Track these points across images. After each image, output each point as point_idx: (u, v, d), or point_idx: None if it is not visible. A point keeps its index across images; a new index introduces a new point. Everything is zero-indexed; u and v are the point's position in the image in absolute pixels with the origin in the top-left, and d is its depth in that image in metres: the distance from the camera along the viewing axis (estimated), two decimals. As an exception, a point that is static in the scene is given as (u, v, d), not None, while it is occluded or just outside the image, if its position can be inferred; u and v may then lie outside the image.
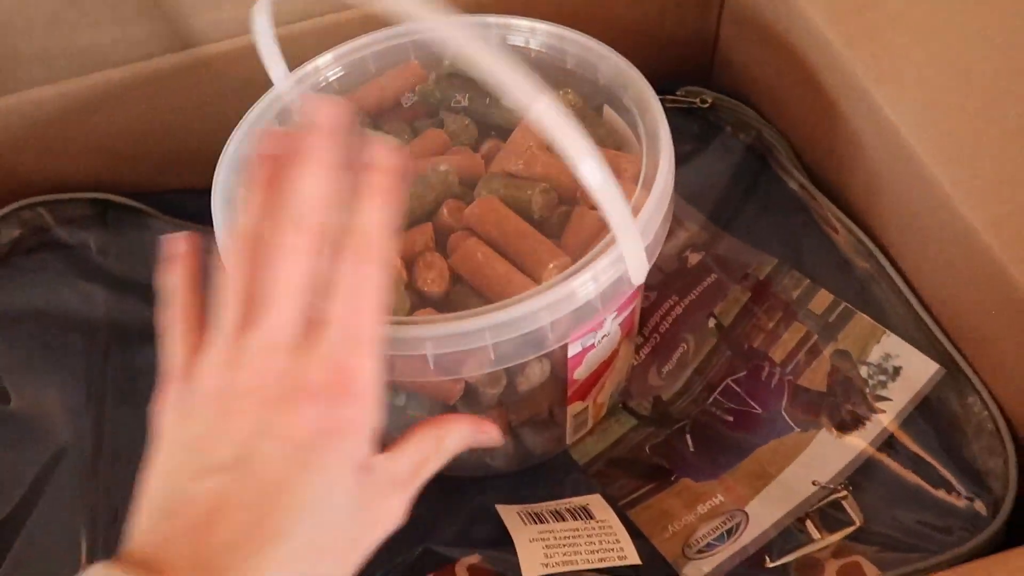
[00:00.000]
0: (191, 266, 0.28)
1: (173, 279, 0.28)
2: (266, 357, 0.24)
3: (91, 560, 0.36)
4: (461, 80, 0.40)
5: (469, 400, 0.35)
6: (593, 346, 0.35)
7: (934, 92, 0.38)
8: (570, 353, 0.34)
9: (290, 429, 0.24)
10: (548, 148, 0.35)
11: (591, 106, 0.39)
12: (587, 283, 0.30)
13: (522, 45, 0.40)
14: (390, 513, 0.26)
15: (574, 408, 0.38)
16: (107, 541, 0.37)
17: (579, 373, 0.36)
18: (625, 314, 0.36)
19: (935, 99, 0.38)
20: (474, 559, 0.35)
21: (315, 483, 0.24)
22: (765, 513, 0.37)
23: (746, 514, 0.37)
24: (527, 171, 0.35)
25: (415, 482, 0.27)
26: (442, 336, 0.29)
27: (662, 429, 0.41)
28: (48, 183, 0.48)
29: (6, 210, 0.46)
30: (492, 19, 0.40)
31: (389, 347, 0.29)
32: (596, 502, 0.39)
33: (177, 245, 0.28)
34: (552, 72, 0.39)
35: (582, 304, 0.30)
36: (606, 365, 0.37)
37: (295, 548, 0.23)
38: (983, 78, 0.38)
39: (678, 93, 0.52)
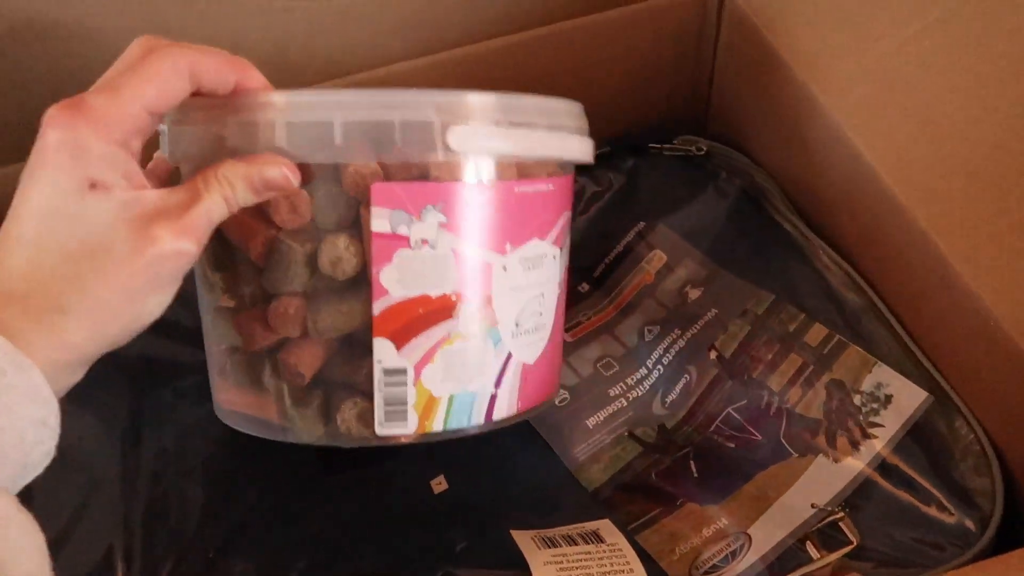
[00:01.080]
0: None
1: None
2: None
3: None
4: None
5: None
6: (407, 241, 0.32)
7: (908, 138, 0.41)
8: (374, 225, 0.31)
9: (37, 152, 0.27)
10: None
11: None
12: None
13: None
14: (148, 239, 0.27)
15: (383, 351, 0.32)
16: (144, 566, 0.39)
17: (386, 278, 0.32)
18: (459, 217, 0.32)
19: (908, 146, 0.41)
20: (492, 584, 0.37)
21: (32, 195, 0.27)
22: (767, 535, 0.39)
23: (748, 536, 0.39)
24: None
25: (186, 217, 0.28)
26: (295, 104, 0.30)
27: (667, 456, 0.43)
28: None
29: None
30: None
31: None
32: (606, 527, 0.41)
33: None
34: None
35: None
36: (430, 313, 0.32)
37: (28, 254, 0.26)
38: (952, 124, 0.41)
39: (675, 142, 0.56)
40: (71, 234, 0.26)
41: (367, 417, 0.33)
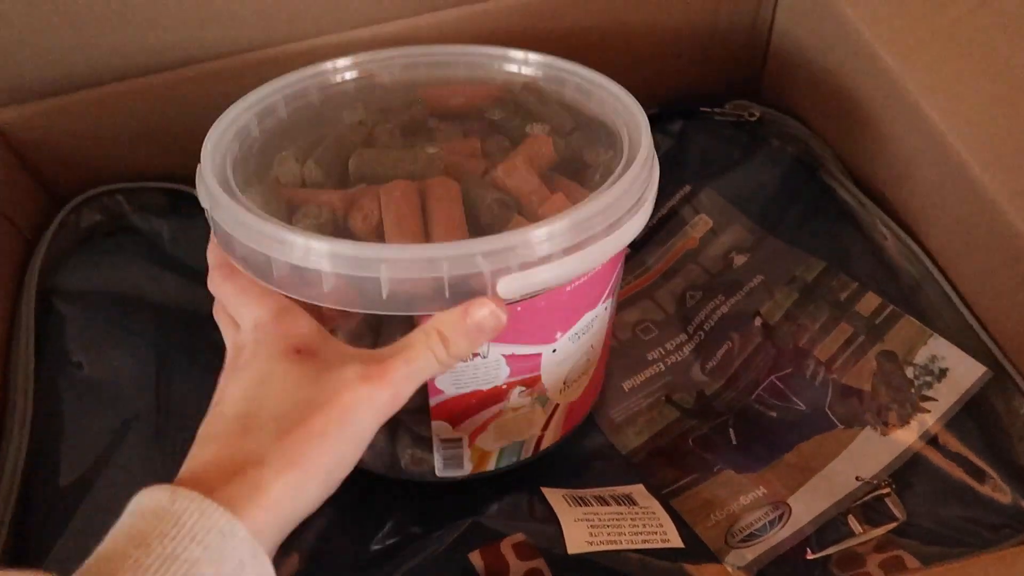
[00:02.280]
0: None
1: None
2: None
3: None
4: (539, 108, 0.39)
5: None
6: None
7: (983, 101, 0.39)
8: None
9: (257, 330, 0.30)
10: (539, 169, 0.35)
11: (579, 135, 0.38)
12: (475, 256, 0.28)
13: (515, 71, 0.41)
14: (346, 385, 0.28)
15: (440, 429, 0.36)
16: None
17: (441, 382, 0.34)
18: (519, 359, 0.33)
19: (983, 108, 0.39)
20: (519, 537, 0.36)
21: (252, 367, 0.29)
22: (807, 506, 0.37)
23: (788, 506, 0.38)
24: (501, 180, 0.34)
25: (381, 365, 0.28)
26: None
27: (705, 422, 0.42)
28: (126, 173, 0.51)
29: (87, 195, 0.49)
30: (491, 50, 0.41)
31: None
32: (639, 491, 0.40)
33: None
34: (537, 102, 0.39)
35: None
36: (483, 399, 0.35)
37: (262, 423, 0.27)
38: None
39: (727, 106, 0.54)
40: (281, 397, 0.28)
41: (426, 463, 0.37)
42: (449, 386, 0.34)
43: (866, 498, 0.37)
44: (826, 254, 0.45)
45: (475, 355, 0.32)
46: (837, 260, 0.44)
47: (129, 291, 0.47)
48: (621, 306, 0.48)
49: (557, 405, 0.37)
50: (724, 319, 0.45)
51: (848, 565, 0.35)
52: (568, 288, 0.32)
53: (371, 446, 0.30)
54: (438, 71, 0.42)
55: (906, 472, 0.37)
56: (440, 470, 0.38)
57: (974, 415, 0.38)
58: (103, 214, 0.49)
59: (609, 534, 0.36)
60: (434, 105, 0.40)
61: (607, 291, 0.35)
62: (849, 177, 0.47)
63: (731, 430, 0.41)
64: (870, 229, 0.44)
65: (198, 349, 0.45)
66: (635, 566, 0.35)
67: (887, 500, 0.37)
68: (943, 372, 0.39)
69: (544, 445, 0.39)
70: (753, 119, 0.53)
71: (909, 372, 0.39)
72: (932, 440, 0.37)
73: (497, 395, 0.34)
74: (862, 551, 0.36)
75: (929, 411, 0.38)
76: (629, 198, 0.31)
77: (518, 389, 0.35)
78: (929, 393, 0.39)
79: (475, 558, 0.35)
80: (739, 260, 0.47)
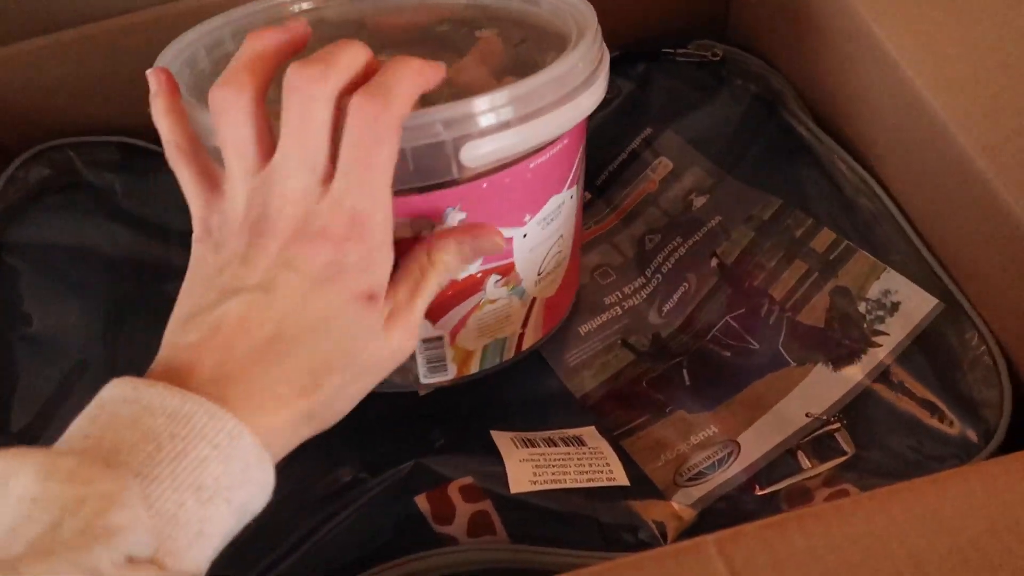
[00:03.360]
0: (177, 103, 0.30)
1: (165, 116, 0.30)
2: (284, 200, 0.27)
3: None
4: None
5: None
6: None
7: (933, 27, 0.38)
8: (397, 233, 0.32)
9: (306, 263, 0.27)
10: (491, 68, 0.35)
11: (529, 44, 0.38)
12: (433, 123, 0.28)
13: None
14: (394, 340, 0.29)
15: (421, 328, 0.34)
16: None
17: None
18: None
19: (934, 33, 0.37)
20: (466, 480, 0.36)
21: (323, 308, 0.27)
22: (757, 444, 0.37)
23: (738, 444, 0.37)
24: (453, 77, 0.35)
25: (414, 306, 0.29)
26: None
27: (659, 364, 0.41)
28: (77, 127, 0.50)
29: (36, 150, 0.48)
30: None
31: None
32: (589, 432, 0.39)
33: (158, 79, 0.31)
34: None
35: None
36: (460, 291, 0.35)
37: (300, 363, 0.27)
38: (982, 11, 0.37)
39: (689, 47, 0.52)
40: (336, 336, 0.28)
41: (410, 372, 0.37)
42: None
43: (816, 433, 0.37)
44: (784, 192, 0.44)
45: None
46: (794, 198, 0.43)
47: (80, 245, 0.47)
48: (580, 251, 0.47)
49: (535, 299, 0.37)
50: (681, 261, 0.44)
51: (796, 500, 0.35)
52: (531, 165, 0.32)
53: None
54: (384, 2, 0.41)
55: (856, 407, 0.37)
56: (424, 376, 0.37)
57: (925, 348, 0.37)
58: (53, 168, 0.48)
59: (553, 474, 0.36)
60: (382, 34, 0.40)
61: (571, 175, 0.36)
62: (809, 114, 0.46)
63: (685, 371, 0.41)
64: (828, 166, 0.43)
65: (150, 302, 0.44)
66: (581, 505, 0.35)
67: (836, 435, 0.36)
68: (895, 306, 0.38)
69: (526, 344, 0.39)
70: (716, 59, 0.51)
71: (862, 307, 0.39)
72: (883, 374, 0.37)
73: (473, 285, 0.34)
74: (811, 486, 0.35)
75: (881, 345, 0.38)
76: (584, 69, 0.32)
77: (493, 278, 0.34)
78: (881, 328, 0.38)
79: (421, 502, 0.35)
80: (699, 201, 0.46)
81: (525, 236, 0.34)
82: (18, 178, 0.47)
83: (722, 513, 0.35)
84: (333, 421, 0.29)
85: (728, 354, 0.40)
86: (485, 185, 0.32)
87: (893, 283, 0.39)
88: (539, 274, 0.36)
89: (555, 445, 0.37)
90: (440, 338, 0.36)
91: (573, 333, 0.44)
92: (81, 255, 0.46)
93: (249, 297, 0.27)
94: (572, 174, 0.36)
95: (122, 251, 0.47)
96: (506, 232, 0.33)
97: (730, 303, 0.42)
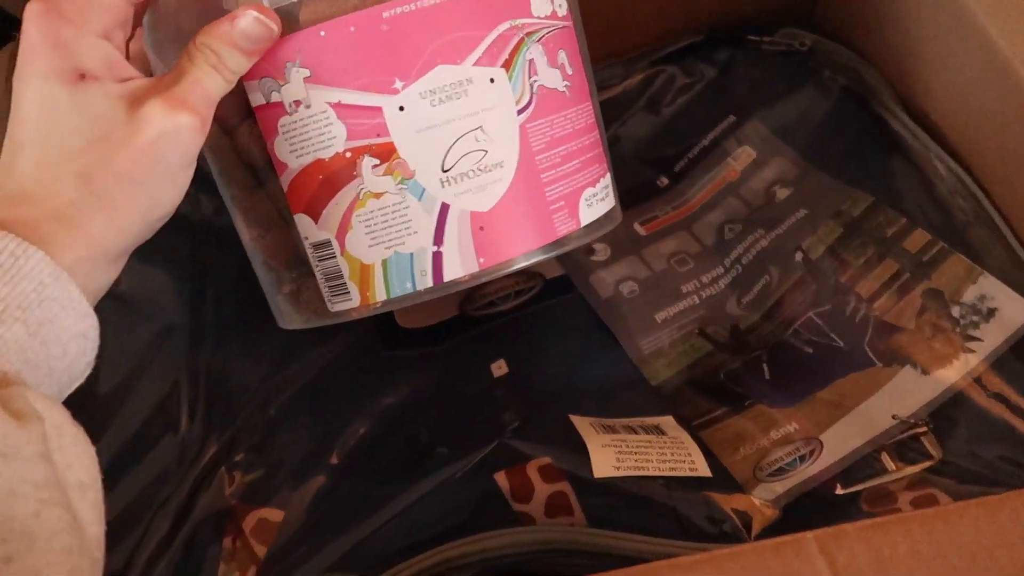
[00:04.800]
0: None
1: None
2: None
3: (191, 424, 0.39)
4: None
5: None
6: (282, 108, 0.29)
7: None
8: (252, 100, 0.29)
9: (23, 51, 0.26)
10: None
11: None
12: None
13: None
14: (148, 117, 0.26)
15: (304, 226, 0.30)
16: (208, 410, 0.39)
17: (280, 150, 0.30)
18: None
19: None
20: (545, 460, 0.36)
21: (27, 93, 0.26)
22: (840, 443, 0.37)
23: (820, 442, 0.37)
24: None
25: (177, 88, 0.26)
26: None
27: (738, 356, 0.41)
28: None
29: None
30: None
31: None
32: (668, 422, 0.39)
33: None
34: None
35: None
36: (331, 175, 0.30)
37: (49, 167, 0.26)
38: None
39: (777, 35, 0.51)
40: (70, 128, 0.26)
41: (312, 294, 0.32)
42: (287, 154, 0.29)
43: (901, 436, 0.36)
44: (874, 188, 0.43)
45: (297, 104, 0.29)
46: (885, 195, 0.42)
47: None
48: (656, 237, 0.47)
49: (447, 207, 0.30)
50: (763, 253, 0.44)
51: (878, 502, 0.35)
52: (384, 14, 0.28)
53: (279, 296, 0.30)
54: None
55: (946, 411, 0.36)
56: (329, 300, 0.31)
57: (1022, 356, 0.36)
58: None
59: (636, 460, 0.36)
60: None
61: (485, 47, 0.29)
62: (903, 109, 0.45)
63: (765, 365, 0.40)
64: (922, 163, 0.42)
65: (231, 267, 0.45)
66: (661, 493, 0.35)
67: (923, 439, 0.36)
68: (991, 312, 0.37)
69: (449, 271, 0.30)
70: (804, 48, 0.50)
71: (955, 311, 0.38)
72: (976, 380, 0.36)
73: (345, 168, 0.29)
74: (894, 488, 0.35)
75: (974, 351, 0.37)
76: None
77: (368, 161, 0.29)
78: (975, 333, 0.37)
79: (500, 479, 0.36)
80: (782, 193, 0.45)
81: (403, 109, 0.28)
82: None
83: (804, 510, 0.35)
84: (142, 225, 0.27)
85: (810, 350, 0.40)
86: (323, 33, 0.28)
87: (990, 288, 0.38)
88: (444, 170, 0.30)
89: (635, 432, 0.37)
90: (328, 243, 0.30)
91: (648, 320, 0.43)
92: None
93: None
94: (486, 47, 0.29)
95: (204, 217, 0.47)
96: (370, 99, 0.28)
97: (814, 299, 0.41)
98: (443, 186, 0.30)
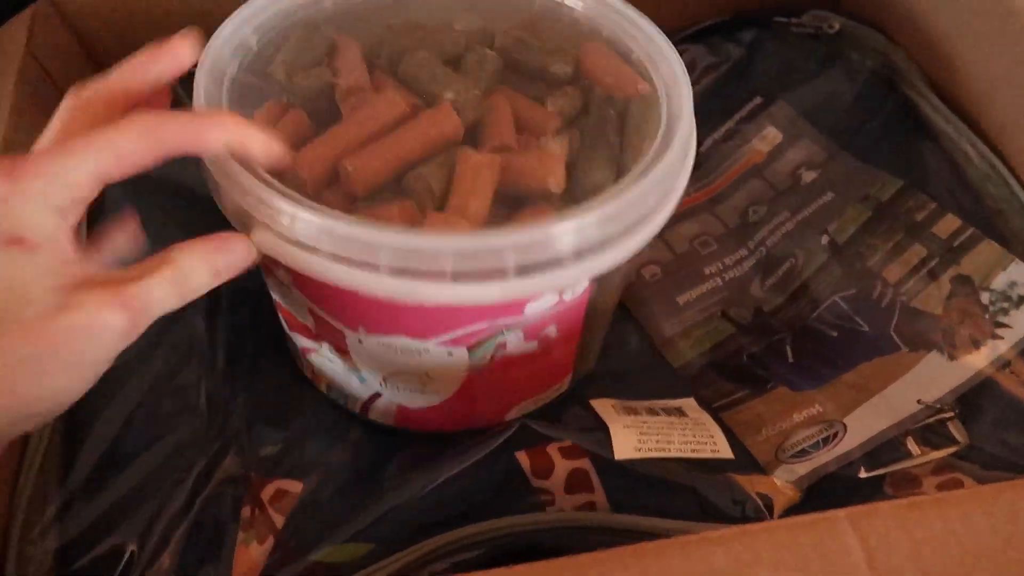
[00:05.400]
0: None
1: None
2: None
3: (207, 395, 0.38)
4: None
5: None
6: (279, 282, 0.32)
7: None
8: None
9: None
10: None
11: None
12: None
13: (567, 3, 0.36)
14: (83, 307, 0.23)
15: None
16: (228, 369, 0.39)
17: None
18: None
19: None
20: (566, 443, 0.36)
21: None
22: (864, 426, 0.36)
23: (844, 425, 0.37)
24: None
25: (128, 287, 0.24)
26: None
27: (761, 338, 0.41)
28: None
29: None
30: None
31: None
32: (690, 404, 0.39)
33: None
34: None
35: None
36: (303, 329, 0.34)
37: None
38: None
39: (804, 17, 0.51)
40: None
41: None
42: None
43: (927, 421, 0.36)
44: (903, 172, 0.42)
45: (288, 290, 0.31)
46: (915, 179, 0.42)
47: (185, 182, 0.47)
48: (679, 218, 0.46)
49: (378, 395, 0.35)
50: (788, 235, 0.43)
51: (903, 485, 0.34)
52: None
53: None
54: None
55: (973, 397, 0.36)
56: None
57: (1052, 344, 0.36)
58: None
59: (658, 441, 0.35)
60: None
61: (449, 336, 0.31)
62: (934, 92, 0.44)
63: (788, 347, 0.40)
64: (953, 147, 0.42)
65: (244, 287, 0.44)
66: (682, 475, 0.34)
67: (949, 424, 0.35)
68: (1022, 299, 0.37)
69: (372, 414, 0.37)
70: (832, 31, 0.50)
71: (984, 297, 0.38)
72: (1004, 366, 0.36)
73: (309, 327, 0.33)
74: (918, 473, 0.35)
75: (1003, 338, 0.37)
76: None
77: (327, 347, 0.33)
78: (1004, 320, 0.37)
79: (521, 457, 0.35)
80: (808, 176, 0.45)
81: (360, 342, 0.32)
82: (123, 105, 0.47)
83: (827, 492, 0.34)
84: (24, 415, 0.24)
85: (835, 334, 0.39)
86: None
87: (1020, 275, 0.37)
88: (384, 381, 0.34)
89: (657, 415, 0.37)
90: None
91: (671, 303, 0.43)
92: (185, 192, 0.46)
93: None
94: (457, 338, 0.31)
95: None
96: (337, 324, 0.31)
97: (840, 282, 0.41)
98: (382, 385, 0.34)
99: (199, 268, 0.26)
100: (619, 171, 0.31)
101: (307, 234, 0.26)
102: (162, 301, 0.25)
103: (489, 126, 0.32)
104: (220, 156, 0.28)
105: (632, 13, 0.34)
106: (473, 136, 0.32)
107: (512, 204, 0.31)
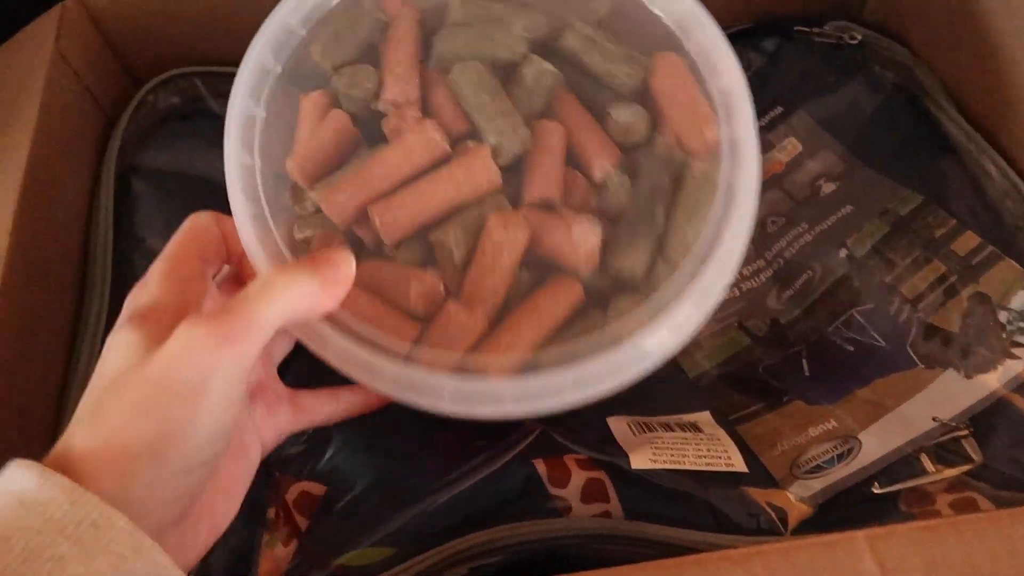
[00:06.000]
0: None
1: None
2: None
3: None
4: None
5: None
6: None
7: None
8: None
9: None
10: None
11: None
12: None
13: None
14: (180, 361, 0.23)
15: None
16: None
17: None
18: None
19: None
20: (583, 457, 0.36)
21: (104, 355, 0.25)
22: (879, 443, 0.36)
23: (859, 441, 0.37)
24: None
25: (227, 315, 0.24)
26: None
27: (777, 350, 0.41)
28: (206, 56, 0.50)
29: (166, 76, 0.48)
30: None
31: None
32: (705, 419, 0.39)
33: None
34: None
35: None
36: None
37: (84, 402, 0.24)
38: None
39: (826, 27, 0.51)
40: (112, 360, 0.24)
41: None
42: None
43: (942, 439, 0.36)
44: (923, 188, 0.42)
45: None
46: (934, 194, 0.42)
47: (203, 174, 0.47)
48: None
49: None
50: (806, 248, 0.43)
51: (917, 502, 0.35)
52: None
53: None
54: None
55: (987, 416, 0.36)
56: None
57: (1068, 365, 0.36)
58: (180, 96, 0.49)
59: (672, 455, 0.36)
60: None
61: None
62: (956, 109, 0.44)
63: (804, 360, 0.40)
64: (973, 164, 0.42)
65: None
66: (696, 487, 0.35)
67: (964, 442, 0.36)
68: (1040, 319, 0.37)
69: None
70: (854, 42, 0.49)
71: (1002, 316, 0.38)
72: (1020, 387, 0.36)
73: None
74: (932, 490, 0.35)
75: (1020, 358, 0.37)
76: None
77: None
78: (1022, 340, 0.37)
79: (539, 464, 0.36)
80: (828, 188, 0.45)
81: None
82: (148, 102, 0.48)
83: (840, 507, 0.35)
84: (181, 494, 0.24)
85: (851, 348, 0.40)
86: None
87: (1039, 295, 0.37)
88: None
89: (672, 430, 0.37)
90: None
91: (688, 311, 0.43)
92: (205, 185, 0.47)
93: None
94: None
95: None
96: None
97: (857, 297, 0.41)
98: None
99: (304, 282, 0.26)
100: (659, 247, 0.30)
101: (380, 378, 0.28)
102: (270, 320, 0.24)
103: (534, 170, 0.31)
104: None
105: (719, 40, 0.31)
106: (517, 170, 0.31)
107: (539, 267, 0.31)
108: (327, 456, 0.35)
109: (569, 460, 0.36)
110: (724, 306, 0.43)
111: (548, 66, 0.32)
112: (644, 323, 0.28)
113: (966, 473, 0.35)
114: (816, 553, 0.26)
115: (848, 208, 0.44)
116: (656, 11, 0.32)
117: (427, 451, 0.36)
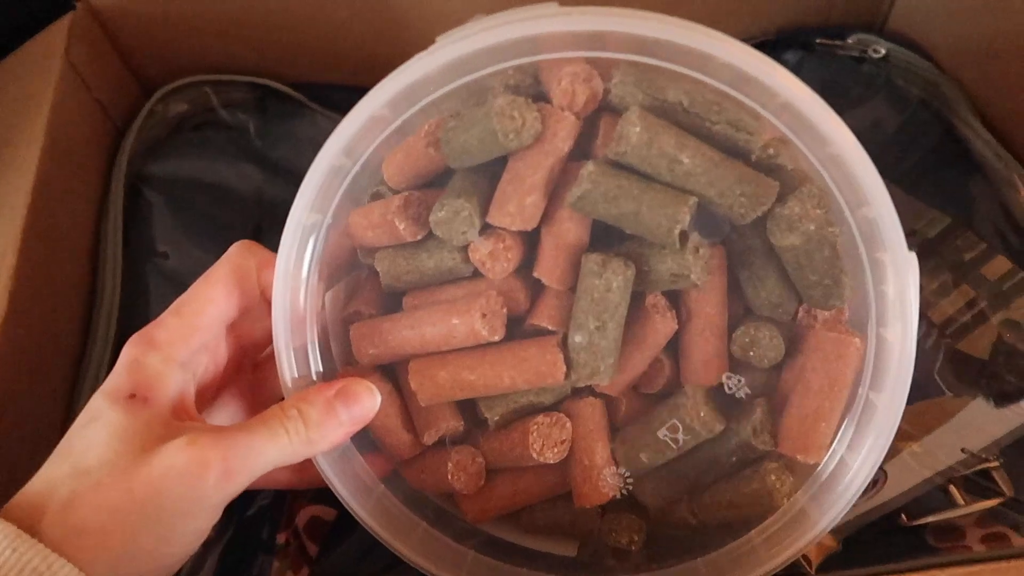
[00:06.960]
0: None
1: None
2: None
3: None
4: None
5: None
6: None
7: None
8: None
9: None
10: None
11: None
12: None
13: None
14: (163, 452, 0.23)
15: None
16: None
17: None
18: None
19: None
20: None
21: (86, 413, 0.25)
22: (905, 474, 0.35)
23: (884, 472, 0.36)
24: None
25: (238, 437, 0.24)
26: None
27: (801, 376, 0.40)
28: (216, 65, 0.49)
29: (175, 84, 0.48)
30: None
31: None
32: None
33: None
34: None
35: None
36: None
37: (61, 461, 0.24)
38: None
39: (849, 40, 0.50)
40: (95, 441, 0.24)
41: None
42: None
43: (970, 471, 0.35)
44: (948, 206, 0.41)
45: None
46: (960, 214, 0.41)
47: (215, 183, 0.46)
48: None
49: None
50: (830, 269, 0.42)
51: (946, 537, 0.34)
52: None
53: None
54: None
55: (1019, 448, 0.35)
56: None
57: (1103, 396, 0.35)
58: (190, 105, 0.48)
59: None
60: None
61: None
62: (984, 125, 0.43)
63: (828, 386, 0.39)
64: (1003, 184, 0.41)
65: (278, 241, 0.44)
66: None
67: (994, 474, 0.35)
68: (1073, 348, 0.36)
69: None
70: (878, 56, 0.48)
71: (1034, 344, 0.37)
72: (1052, 418, 0.35)
73: None
74: (962, 523, 0.34)
75: (1052, 388, 0.36)
76: None
77: None
78: (1054, 368, 0.36)
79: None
80: (851, 208, 0.44)
81: None
82: (157, 112, 0.47)
83: (867, 542, 0.34)
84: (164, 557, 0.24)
85: (876, 374, 0.39)
86: None
87: (1072, 322, 0.36)
88: None
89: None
90: None
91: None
92: (216, 193, 0.46)
93: None
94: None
95: (251, 191, 0.47)
96: None
97: (883, 321, 0.40)
98: None
99: (324, 422, 0.26)
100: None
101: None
102: (279, 459, 0.25)
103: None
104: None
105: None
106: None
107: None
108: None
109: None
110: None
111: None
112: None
113: (996, 507, 0.34)
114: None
115: (873, 228, 0.42)
116: None
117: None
